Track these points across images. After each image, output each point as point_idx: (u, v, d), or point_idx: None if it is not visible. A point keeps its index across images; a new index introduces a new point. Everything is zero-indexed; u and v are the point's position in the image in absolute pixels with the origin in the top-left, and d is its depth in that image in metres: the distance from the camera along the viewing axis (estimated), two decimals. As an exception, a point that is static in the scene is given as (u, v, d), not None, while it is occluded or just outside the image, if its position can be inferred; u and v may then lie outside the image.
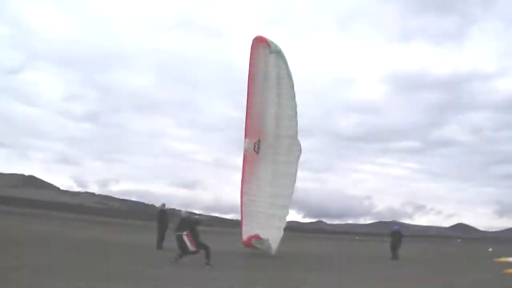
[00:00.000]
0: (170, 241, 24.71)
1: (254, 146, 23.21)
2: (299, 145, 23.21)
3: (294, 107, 23.20)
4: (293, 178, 23.25)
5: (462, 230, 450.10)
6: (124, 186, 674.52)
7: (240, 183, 23.55)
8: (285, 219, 23.16)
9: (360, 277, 16.04)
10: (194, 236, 15.62)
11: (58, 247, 17.96)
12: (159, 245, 21.46)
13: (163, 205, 22.98)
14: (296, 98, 23.18)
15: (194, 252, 15.75)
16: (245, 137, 23.48)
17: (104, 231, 39.30)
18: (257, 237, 21.66)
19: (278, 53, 22.61)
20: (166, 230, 21.73)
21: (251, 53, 22.91)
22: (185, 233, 15.50)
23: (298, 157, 23.32)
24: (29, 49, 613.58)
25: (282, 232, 22.58)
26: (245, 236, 22.85)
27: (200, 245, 15.77)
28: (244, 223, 23.21)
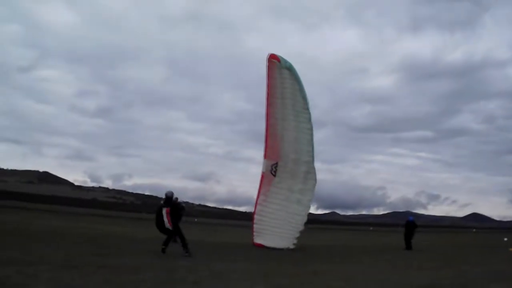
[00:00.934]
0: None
1: (272, 168, 23.28)
2: (315, 173, 23.16)
3: (310, 129, 23.09)
4: (307, 205, 23.20)
5: (476, 220, 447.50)
6: (137, 180, 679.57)
7: (255, 201, 23.79)
8: (293, 239, 22.88)
9: (374, 268, 16.04)
10: (173, 218, 16.11)
11: (73, 242, 18.15)
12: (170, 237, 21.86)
13: (175, 198, 23.18)
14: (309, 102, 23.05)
15: (169, 231, 16.19)
16: (264, 157, 23.57)
17: (118, 225, 39.64)
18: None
19: (289, 69, 22.48)
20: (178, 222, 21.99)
21: (267, 73, 22.83)
22: (165, 208, 16.02)
23: (314, 186, 23.26)
24: (41, 47, 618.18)
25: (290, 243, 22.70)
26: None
27: (176, 228, 16.17)
28: (254, 238, 23.49)
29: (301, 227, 22.74)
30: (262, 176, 23.43)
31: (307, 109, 22.86)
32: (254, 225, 23.48)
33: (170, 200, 16.44)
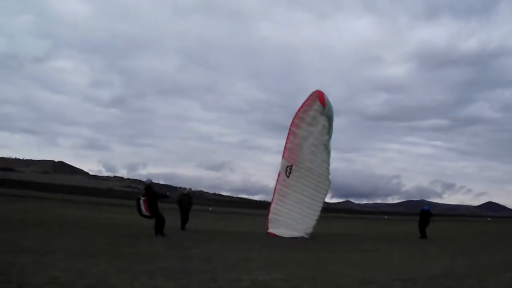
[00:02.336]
0: (192, 223, 25.14)
1: (287, 169, 23.61)
2: (327, 184, 23.47)
3: (328, 160, 23.83)
4: (317, 209, 23.48)
5: (492, 209, 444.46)
6: (152, 169, 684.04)
7: (271, 198, 24.44)
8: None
9: (389, 257, 15.98)
10: (151, 204, 17.97)
11: (88, 231, 18.32)
12: (183, 225, 23.34)
13: (185, 189, 25.30)
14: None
15: (147, 217, 18.23)
16: (282, 157, 23.93)
17: (133, 215, 39.88)
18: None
19: (329, 118, 23.56)
20: (188, 212, 23.77)
21: (307, 102, 23.45)
22: (142, 198, 17.93)
23: (326, 194, 23.73)
24: (54, 37, 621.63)
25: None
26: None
27: (155, 213, 18.14)
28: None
29: (310, 230, 23.05)
30: (278, 174, 23.86)
31: (329, 151, 23.87)
32: (269, 223, 23.96)
33: (147, 188, 18.45)
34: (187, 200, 24.08)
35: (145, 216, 18.21)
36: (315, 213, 23.30)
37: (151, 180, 19.52)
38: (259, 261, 12.53)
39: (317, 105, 23.11)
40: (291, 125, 23.80)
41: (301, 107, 23.65)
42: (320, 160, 23.36)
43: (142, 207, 17.90)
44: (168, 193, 20.48)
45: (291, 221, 23.15)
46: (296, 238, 21.65)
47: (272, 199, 24.06)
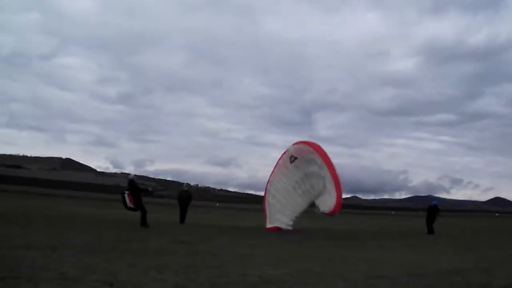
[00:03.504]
0: (199, 219, 25.22)
1: (291, 156, 23.89)
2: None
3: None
4: (305, 203, 23.95)
5: (499, 204, 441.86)
6: (159, 166, 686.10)
7: (269, 176, 25.05)
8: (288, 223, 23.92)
9: (396, 252, 15.96)
10: (135, 198, 19.52)
11: (97, 227, 18.41)
12: (182, 220, 24.60)
13: (185, 185, 27.40)
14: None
15: (132, 209, 19.75)
16: (293, 144, 24.25)
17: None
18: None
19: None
20: (186, 207, 25.07)
21: (308, 148, 23.47)
22: (127, 192, 19.57)
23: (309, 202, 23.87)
24: (61, 34, 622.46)
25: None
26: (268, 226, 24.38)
27: (139, 206, 19.67)
28: (267, 217, 24.85)
29: (294, 217, 24.03)
30: (282, 154, 24.40)
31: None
32: (265, 206, 24.99)
33: (130, 183, 20.11)
34: (187, 196, 25.32)
35: (130, 209, 19.77)
36: (302, 206, 23.91)
37: (134, 175, 21.41)
38: (266, 256, 12.55)
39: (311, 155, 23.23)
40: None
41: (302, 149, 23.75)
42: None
43: (127, 200, 19.49)
44: (150, 189, 22.18)
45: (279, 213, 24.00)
46: (302, 233, 21.74)
47: (265, 196, 24.94)
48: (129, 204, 19.53)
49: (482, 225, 48.80)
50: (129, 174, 21.71)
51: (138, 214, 20.11)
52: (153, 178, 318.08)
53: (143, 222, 19.71)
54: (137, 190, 19.99)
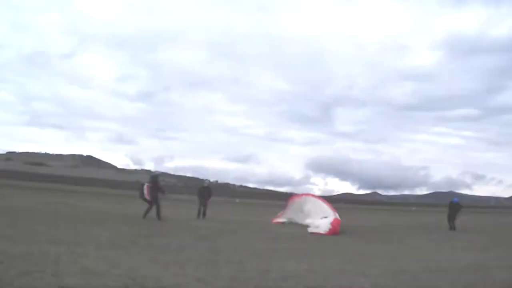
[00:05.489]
0: (219, 214, 25.29)
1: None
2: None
3: None
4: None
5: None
6: (179, 162, 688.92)
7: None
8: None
9: (418, 248, 15.86)
10: (153, 192, 20.55)
11: (118, 223, 18.58)
12: (198, 215, 25.03)
13: (206, 181, 27.37)
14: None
15: (146, 200, 20.72)
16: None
17: (162, 207, 40.24)
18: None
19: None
20: (206, 203, 25.54)
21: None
22: (146, 184, 20.69)
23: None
24: (80, 33, 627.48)
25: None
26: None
27: (154, 200, 20.64)
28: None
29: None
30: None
31: None
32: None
33: (153, 178, 21.24)
34: (207, 192, 25.74)
35: (144, 200, 20.77)
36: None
37: (160, 173, 23.72)
38: (287, 251, 12.57)
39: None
40: None
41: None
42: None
43: (145, 191, 20.48)
44: (166, 192, 22.60)
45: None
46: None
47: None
48: (146, 195, 20.58)
49: (504, 221, 48.05)
50: (155, 171, 23.59)
51: (153, 210, 20.65)
52: (173, 175, 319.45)
53: (159, 216, 20.68)
54: (158, 188, 20.99)
